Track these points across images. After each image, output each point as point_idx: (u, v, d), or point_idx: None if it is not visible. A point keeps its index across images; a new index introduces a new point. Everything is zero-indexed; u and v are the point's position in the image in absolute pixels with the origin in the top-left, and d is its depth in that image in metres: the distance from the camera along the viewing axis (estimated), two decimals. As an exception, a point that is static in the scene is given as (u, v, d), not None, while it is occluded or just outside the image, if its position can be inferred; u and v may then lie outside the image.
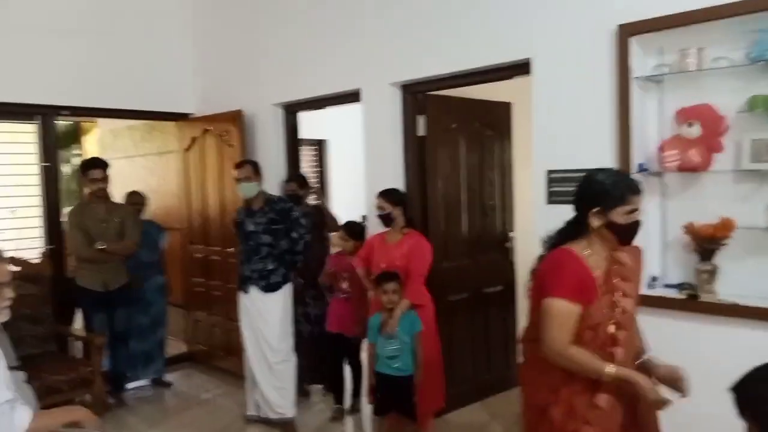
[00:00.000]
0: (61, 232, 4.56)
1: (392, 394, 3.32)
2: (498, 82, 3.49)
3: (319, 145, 7.15)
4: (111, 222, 4.30)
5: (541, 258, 2.09)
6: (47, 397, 3.47)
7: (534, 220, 3.16)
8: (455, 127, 4.02)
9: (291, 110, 4.60)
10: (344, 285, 3.90)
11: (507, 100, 4.29)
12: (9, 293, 2.01)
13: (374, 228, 3.80)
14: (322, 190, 7.09)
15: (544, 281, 1.93)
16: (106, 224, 4.27)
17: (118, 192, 4.56)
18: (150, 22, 4.94)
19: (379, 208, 3.56)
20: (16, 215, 4.61)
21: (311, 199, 4.58)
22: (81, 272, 4.27)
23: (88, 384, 4.00)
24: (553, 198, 3.06)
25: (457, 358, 3.93)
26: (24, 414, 1.90)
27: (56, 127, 4.71)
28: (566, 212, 2.03)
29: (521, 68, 3.20)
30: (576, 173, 2.68)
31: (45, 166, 4.55)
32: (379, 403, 3.41)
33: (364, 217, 4.29)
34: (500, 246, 4.32)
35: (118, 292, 4.35)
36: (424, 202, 3.87)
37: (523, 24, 3.14)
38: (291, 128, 4.66)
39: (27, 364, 3.55)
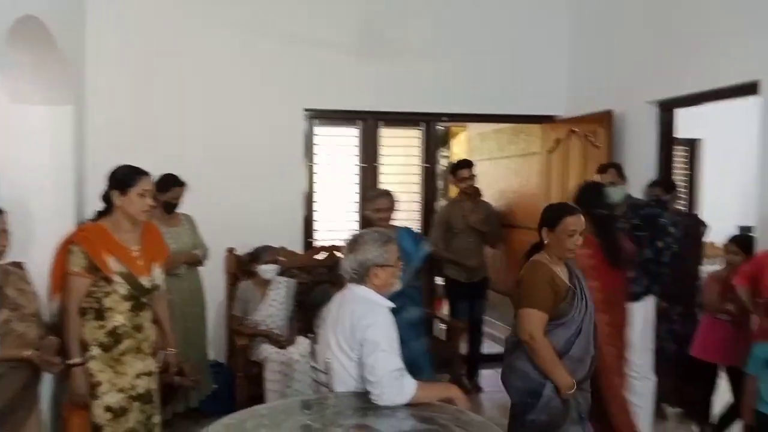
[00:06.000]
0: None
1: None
2: None
3: (691, 146, 6.44)
4: (473, 218, 4.63)
5: None
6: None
7: None
8: None
9: (666, 108, 4.23)
10: (730, 306, 3.44)
11: None
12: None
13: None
14: (690, 195, 6.41)
15: None
16: (469, 219, 4.62)
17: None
18: (523, 30, 5.10)
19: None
20: (401, 209, 5.32)
21: (679, 206, 4.17)
22: (449, 264, 4.71)
23: (448, 365, 4.41)
24: None
25: None
26: (411, 382, 2.17)
27: (436, 132, 5.29)
28: None
29: None
30: None
31: (425, 166, 5.16)
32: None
33: (741, 228, 3.73)
34: None
35: (480, 283, 4.72)
36: None
37: None
38: (665, 127, 4.28)
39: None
